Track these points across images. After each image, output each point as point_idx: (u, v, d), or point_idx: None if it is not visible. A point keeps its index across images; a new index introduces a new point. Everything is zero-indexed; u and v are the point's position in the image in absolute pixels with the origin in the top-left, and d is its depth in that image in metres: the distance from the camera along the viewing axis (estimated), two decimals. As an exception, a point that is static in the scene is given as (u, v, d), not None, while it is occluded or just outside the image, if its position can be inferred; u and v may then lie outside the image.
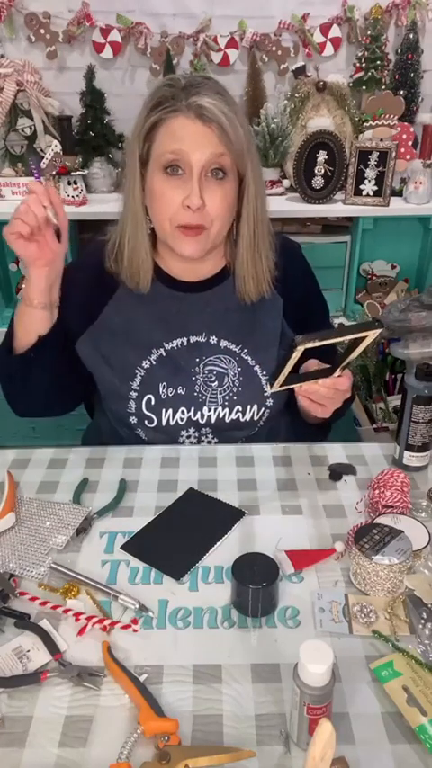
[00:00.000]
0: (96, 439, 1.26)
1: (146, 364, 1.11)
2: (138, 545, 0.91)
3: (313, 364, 0.97)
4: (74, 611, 0.79)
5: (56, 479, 1.07)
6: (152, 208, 1.03)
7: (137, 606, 0.80)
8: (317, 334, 0.82)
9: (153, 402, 1.11)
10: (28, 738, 0.66)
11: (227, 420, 1.13)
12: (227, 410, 1.12)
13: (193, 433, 1.14)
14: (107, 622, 0.78)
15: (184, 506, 1.00)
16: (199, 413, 1.12)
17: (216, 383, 1.12)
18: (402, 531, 0.84)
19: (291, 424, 1.21)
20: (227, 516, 0.97)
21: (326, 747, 0.53)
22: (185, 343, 1.12)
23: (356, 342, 0.88)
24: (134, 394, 1.11)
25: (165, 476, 1.07)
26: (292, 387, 0.93)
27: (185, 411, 1.12)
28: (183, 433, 1.14)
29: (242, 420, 1.13)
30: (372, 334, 0.86)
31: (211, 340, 1.12)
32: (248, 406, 1.12)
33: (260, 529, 0.95)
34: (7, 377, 1.12)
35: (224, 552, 0.89)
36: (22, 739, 0.65)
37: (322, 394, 0.93)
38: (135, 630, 0.78)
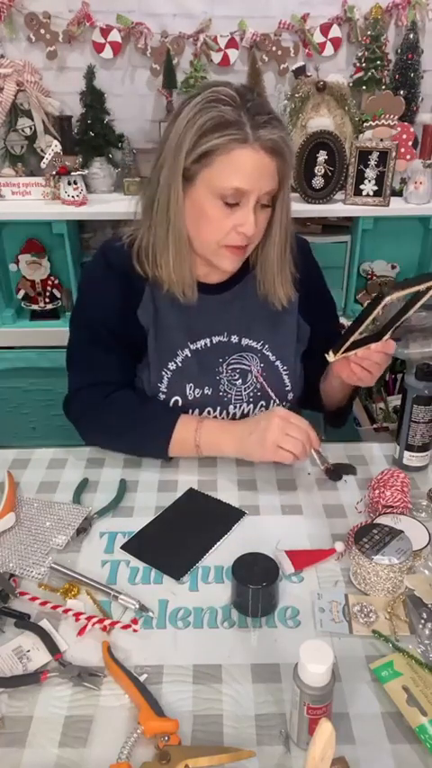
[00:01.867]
0: None
1: (172, 366, 1.11)
2: (138, 545, 0.91)
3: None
4: (74, 611, 0.79)
5: (56, 479, 1.07)
6: (199, 227, 1.02)
7: (137, 606, 0.80)
8: (399, 284, 0.84)
9: (180, 404, 1.11)
10: (28, 738, 0.66)
11: (252, 415, 1.14)
12: (251, 406, 1.14)
13: None
14: (107, 622, 0.78)
15: (184, 506, 1.00)
16: (225, 411, 1.13)
17: (240, 381, 1.14)
18: (402, 531, 0.84)
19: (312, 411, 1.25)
20: (227, 516, 0.97)
21: (326, 747, 0.53)
22: (209, 344, 1.12)
23: (411, 301, 0.90)
24: (162, 396, 1.11)
25: (165, 476, 1.07)
26: (350, 354, 0.96)
27: (212, 411, 1.13)
28: None
29: None
30: None
31: (232, 339, 1.13)
32: (272, 401, 1.15)
33: (260, 529, 0.95)
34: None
35: (224, 552, 0.89)
36: (22, 739, 0.66)
37: (375, 359, 0.97)
38: (135, 630, 0.78)
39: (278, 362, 1.15)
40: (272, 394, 1.13)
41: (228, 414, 1.13)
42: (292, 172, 1.05)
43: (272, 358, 1.15)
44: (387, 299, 0.83)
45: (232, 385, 1.13)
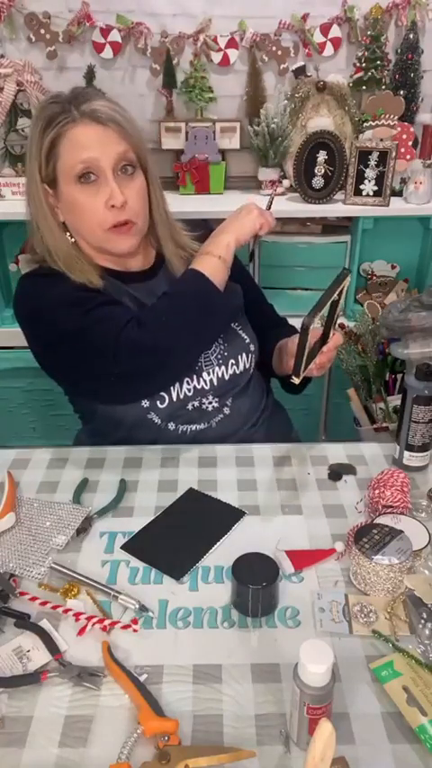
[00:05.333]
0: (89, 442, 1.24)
1: None
2: (138, 545, 0.91)
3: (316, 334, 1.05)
4: (74, 611, 0.79)
5: (56, 479, 1.07)
6: (77, 220, 1.07)
7: (137, 606, 0.80)
8: (313, 308, 0.89)
9: None
10: (28, 738, 0.66)
11: (226, 377, 1.17)
12: (223, 368, 1.17)
13: (196, 402, 1.15)
14: (107, 622, 0.78)
15: (184, 506, 1.00)
16: (201, 379, 1.15)
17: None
18: (402, 531, 0.84)
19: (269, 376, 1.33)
20: (227, 516, 0.97)
21: (326, 747, 0.53)
22: None
23: (338, 297, 0.98)
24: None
25: (165, 476, 1.07)
26: (310, 366, 1.01)
27: (189, 381, 1.14)
28: (188, 406, 1.14)
29: (238, 372, 1.19)
30: (346, 283, 0.98)
31: None
32: (239, 357, 1.19)
33: (260, 529, 0.95)
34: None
35: (224, 552, 0.89)
36: (22, 739, 0.65)
37: (330, 357, 1.07)
38: (135, 630, 0.78)
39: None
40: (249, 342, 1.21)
41: (204, 381, 1.15)
42: (146, 142, 1.12)
43: None
44: (312, 327, 0.88)
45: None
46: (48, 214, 1.08)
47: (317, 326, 0.93)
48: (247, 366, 1.21)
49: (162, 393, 1.12)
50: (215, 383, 1.16)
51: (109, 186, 1.03)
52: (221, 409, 1.17)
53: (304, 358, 0.93)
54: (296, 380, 0.96)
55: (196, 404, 1.15)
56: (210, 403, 1.16)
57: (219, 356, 1.17)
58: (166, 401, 1.12)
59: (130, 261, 1.16)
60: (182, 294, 1.07)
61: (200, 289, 1.06)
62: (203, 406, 1.16)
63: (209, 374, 1.16)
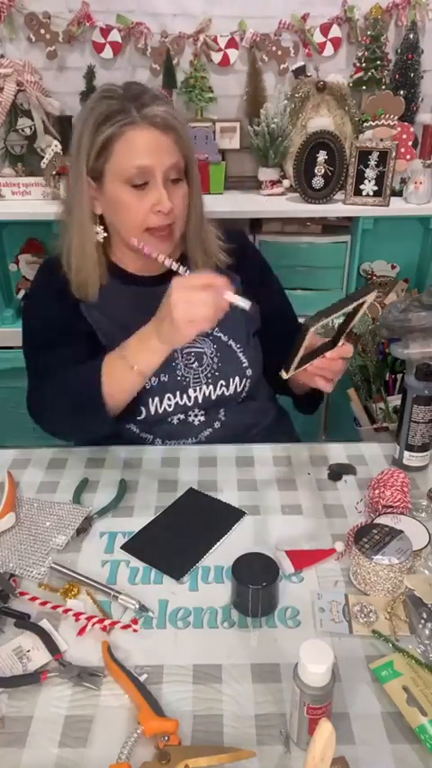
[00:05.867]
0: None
1: None
2: (138, 545, 0.91)
3: (318, 341, 1.01)
4: (74, 611, 0.79)
5: (56, 479, 1.07)
6: (118, 217, 1.06)
7: (137, 606, 0.80)
8: (321, 312, 0.85)
9: (138, 394, 1.10)
10: (28, 738, 0.66)
11: (213, 397, 1.15)
12: (211, 387, 1.15)
13: (181, 416, 1.15)
14: (107, 622, 0.78)
15: (184, 506, 1.00)
16: (185, 395, 1.14)
17: (196, 364, 1.15)
18: (402, 531, 0.84)
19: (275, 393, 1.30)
20: (227, 516, 0.97)
21: (326, 747, 0.53)
22: None
23: (356, 310, 0.93)
24: None
25: (165, 476, 1.07)
26: (305, 366, 0.96)
27: (171, 397, 1.13)
28: (171, 419, 1.14)
29: (227, 394, 1.16)
30: (369, 298, 0.91)
31: None
32: (231, 380, 1.16)
33: (260, 529, 0.95)
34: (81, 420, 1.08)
35: (224, 552, 0.89)
36: (22, 739, 0.65)
37: (334, 368, 0.99)
38: (135, 630, 0.78)
39: (231, 342, 1.18)
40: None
41: (189, 398, 1.14)
42: (193, 146, 1.10)
43: (224, 338, 1.17)
44: (312, 330, 0.86)
45: (189, 369, 1.14)
46: (85, 205, 1.06)
47: (320, 332, 0.90)
48: (239, 390, 1.16)
49: (140, 406, 1.11)
50: (200, 401, 1.14)
51: (158, 191, 1.02)
52: (211, 423, 1.16)
53: (298, 356, 0.90)
54: (284, 375, 0.93)
55: (181, 417, 1.15)
56: (196, 416, 1.16)
57: (209, 374, 1.15)
58: (143, 413, 1.11)
59: (153, 264, 1.11)
60: (70, 385, 1.05)
61: (85, 390, 1.02)
62: (189, 419, 1.15)
63: (195, 391, 1.14)
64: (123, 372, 0.99)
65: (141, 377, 1.00)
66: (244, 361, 1.17)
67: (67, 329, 1.11)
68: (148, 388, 1.11)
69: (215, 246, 1.18)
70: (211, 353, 1.16)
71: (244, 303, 0.92)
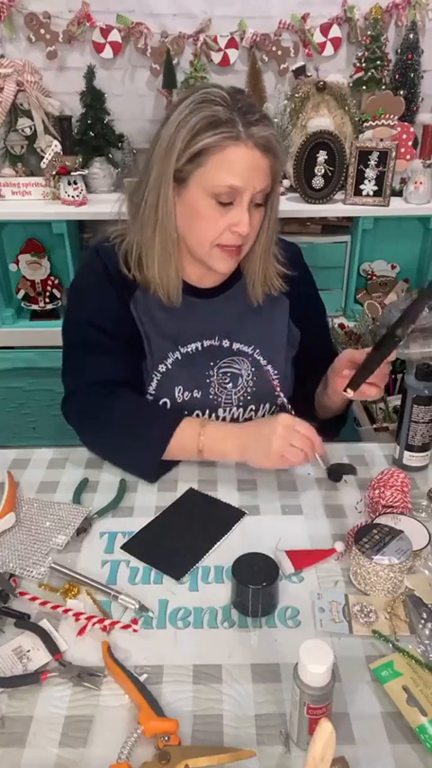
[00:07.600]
0: None
1: (162, 368, 1.11)
2: (138, 545, 0.91)
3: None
4: (74, 611, 0.79)
5: (56, 479, 1.07)
6: (192, 225, 1.02)
7: (137, 606, 0.80)
8: (402, 320, 0.85)
9: (169, 406, 1.11)
10: (28, 738, 0.66)
11: (240, 420, 1.14)
12: (241, 410, 1.15)
13: None
14: (107, 622, 0.78)
15: (184, 506, 1.00)
16: (214, 414, 1.13)
17: (231, 384, 1.14)
18: (402, 531, 0.84)
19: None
20: (227, 516, 0.97)
21: (326, 747, 0.53)
22: (200, 348, 1.12)
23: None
24: (150, 398, 1.11)
25: (165, 476, 1.06)
26: (366, 379, 0.98)
27: (200, 414, 1.12)
28: None
29: (254, 418, 1.15)
30: None
31: (224, 343, 1.13)
32: (261, 405, 1.15)
33: (260, 529, 0.95)
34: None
35: (224, 552, 0.89)
36: (22, 739, 0.65)
37: (385, 371, 1.00)
38: (135, 630, 0.78)
39: (269, 367, 1.16)
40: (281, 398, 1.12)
41: (217, 417, 1.13)
42: (282, 171, 1.05)
43: (263, 362, 1.15)
44: (403, 341, 0.86)
45: (223, 388, 1.13)
46: (170, 204, 1.01)
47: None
48: (266, 415, 1.16)
49: None
50: (227, 421, 1.14)
51: (242, 213, 0.98)
52: None
53: (377, 370, 0.90)
54: (350, 395, 0.95)
55: None
56: None
57: (241, 397, 1.14)
58: None
59: (213, 275, 1.11)
60: (131, 425, 1.03)
61: (151, 443, 1.02)
62: None
63: (224, 411, 1.14)
64: (191, 446, 1.01)
65: (200, 457, 1.03)
66: (277, 386, 1.13)
67: (118, 330, 1.08)
68: (179, 401, 1.11)
69: (273, 272, 1.14)
70: (248, 376, 1.14)
71: (324, 465, 1.02)
